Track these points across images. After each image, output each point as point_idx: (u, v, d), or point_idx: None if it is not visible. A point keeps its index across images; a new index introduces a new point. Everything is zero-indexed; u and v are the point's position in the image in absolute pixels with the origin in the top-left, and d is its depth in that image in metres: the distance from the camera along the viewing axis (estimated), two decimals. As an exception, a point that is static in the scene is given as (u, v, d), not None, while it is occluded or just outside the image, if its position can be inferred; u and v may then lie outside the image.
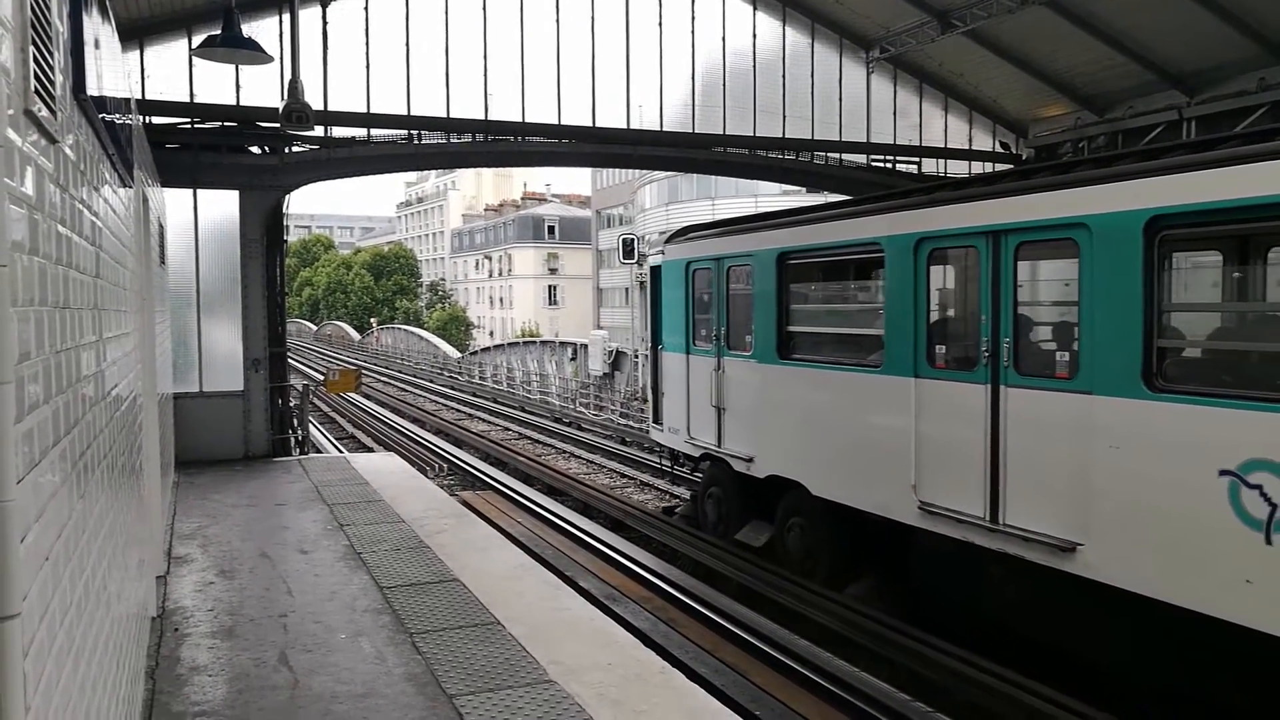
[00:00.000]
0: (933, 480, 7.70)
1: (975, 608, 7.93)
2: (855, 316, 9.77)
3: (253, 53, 10.07)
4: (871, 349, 8.68)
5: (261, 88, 12.94)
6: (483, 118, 14.52)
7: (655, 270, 12.64)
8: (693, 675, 6.30)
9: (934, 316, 8.07)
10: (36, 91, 2.10)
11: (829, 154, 16.92)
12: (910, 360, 7.93)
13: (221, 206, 12.66)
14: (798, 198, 30.94)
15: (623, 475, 17.97)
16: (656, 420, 12.66)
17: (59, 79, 2.53)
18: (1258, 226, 6.27)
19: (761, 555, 10.22)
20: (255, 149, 13.03)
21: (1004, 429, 7.02)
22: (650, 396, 13.14)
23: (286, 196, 13.33)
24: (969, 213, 7.41)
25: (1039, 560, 6.71)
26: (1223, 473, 5.53)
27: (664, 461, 14.16)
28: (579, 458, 20.10)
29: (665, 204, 53.36)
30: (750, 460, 10.22)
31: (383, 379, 42.60)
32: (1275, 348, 6.30)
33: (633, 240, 14.89)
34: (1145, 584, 6.02)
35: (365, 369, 42.89)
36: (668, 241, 12.45)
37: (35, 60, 2.10)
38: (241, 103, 12.95)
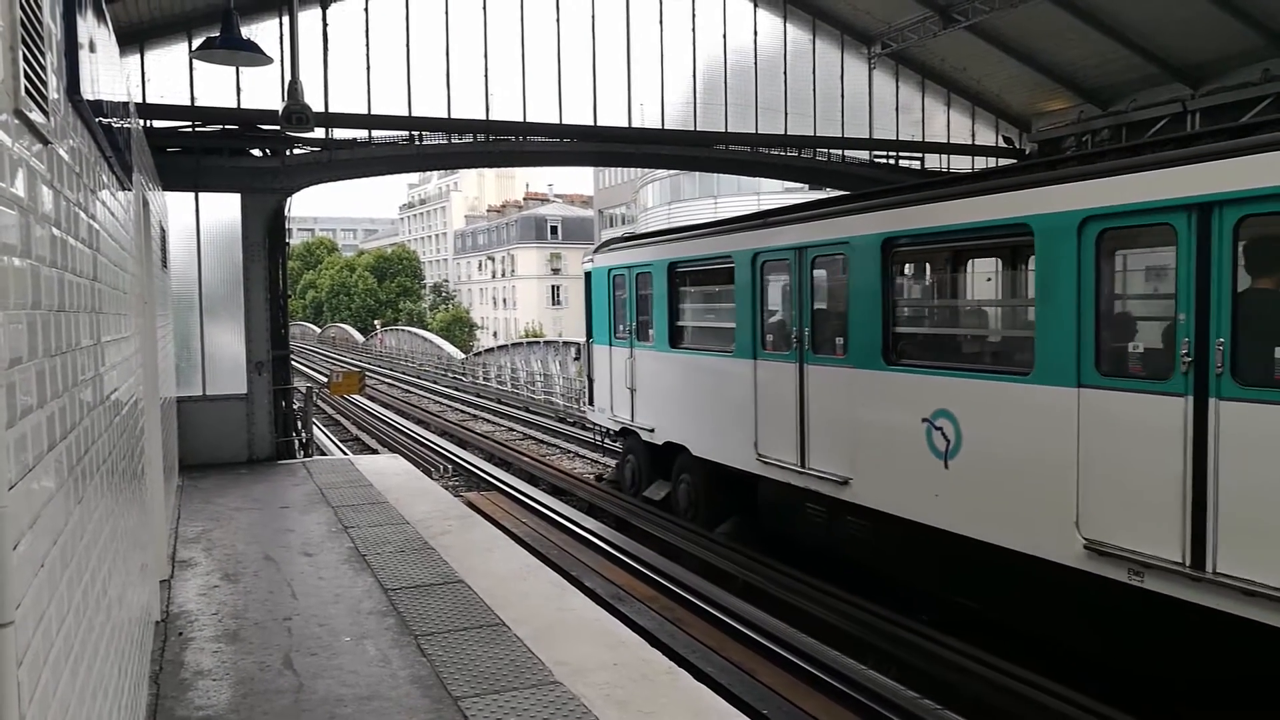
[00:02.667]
0: (767, 438, 9.89)
1: (797, 535, 10.04)
2: (719, 314, 11.58)
3: (252, 55, 10.05)
4: (729, 339, 10.69)
5: (262, 90, 12.93)
6: (484, 118, 14.50)
7: (588, 275, 14.75)
8: (699, 675, 6.27)
9: (765, 313, 10.14)
10: (28, 92, 2.07)
11: (831, 151, 16.88)
12: (751, 347, 10.15)
13: (223, 210, 12.65)
14: (800, 195, 30.92)
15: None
16: (590, 402, 15.07)
17: (52, 80, 2.51)
18: (942, 247, 9.24)
19: (660, 507, 12.60)
20: (256, 152, 13.01)
21: (807, 395, 9.25)
22: (587, 383, 15.44)
23: (288, 199, 13.31)
24: (786, 234, 9.73)
25: (828, 493, 8.94)
26: (923, 420, 7.70)
27: (598, 437, 16.46)
28: (584, 457, 20.07)
29: (668, 203, 53.32)
30: (653, 431, 12.46)
31: (386, 381, 42.62)
32: (945, 332, 9.08)
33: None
34: (887, 504, 8.23)
35: (369, 371, 42.94)
36: (595, 251, 14.76)
37: (26, 61, 2.07)
38: (242, 105, 12.94)
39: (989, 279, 10.09)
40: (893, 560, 8.53)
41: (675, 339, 11.85)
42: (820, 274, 9.48)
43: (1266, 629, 5.27)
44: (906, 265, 9.35)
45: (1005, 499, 7.01)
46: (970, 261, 10.03)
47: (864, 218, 8.62)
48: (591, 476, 16.59)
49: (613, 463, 16.12)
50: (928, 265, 9.91)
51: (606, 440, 15.90)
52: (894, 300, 8.42)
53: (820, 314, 9.34)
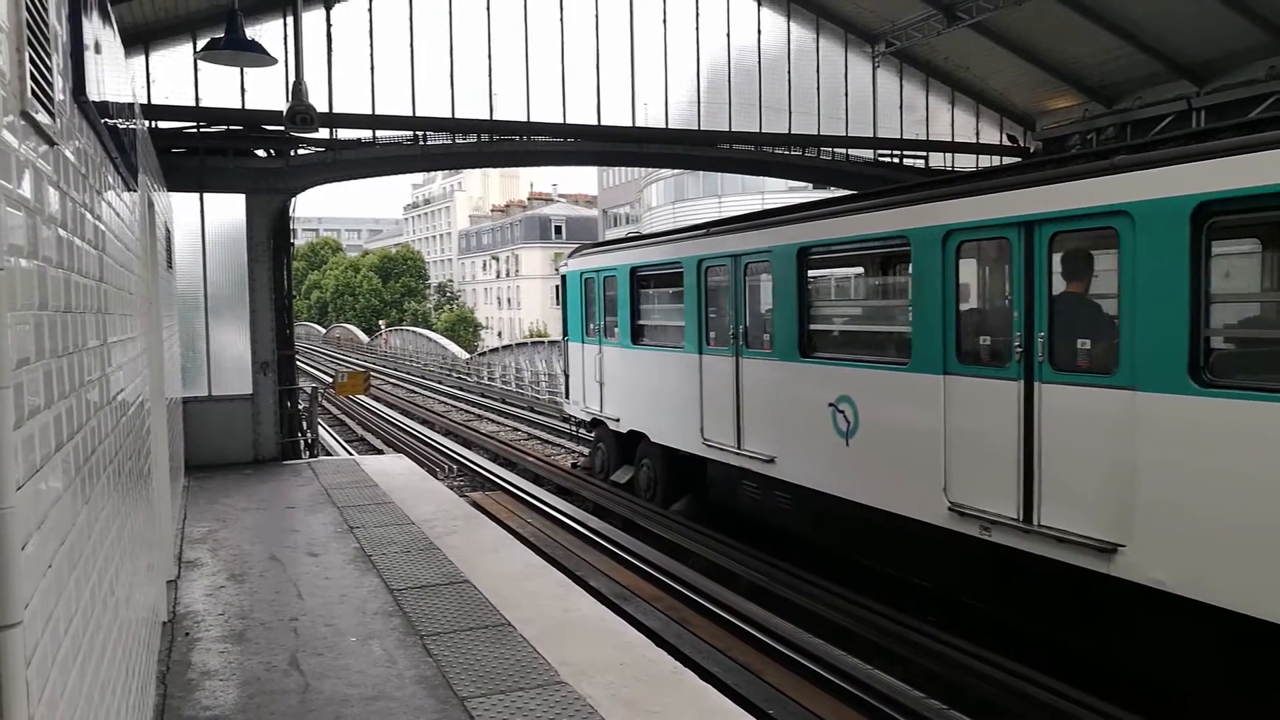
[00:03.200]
0: (711, 424, 11.11)
1: (738, 509, 11.11)
2: (672, 314, 12.58)
3: (257, 55, 10.07)
4: (680, 336, 11.86)
5: (266, 91, 12.95)
6: (488, 118, 14.51)
7: (563, 279, 15.96)
8: (705, 675, 6.26)
9: (709, 313, 11.35)
10: (34, 94, 2.08)
11: (835, 149, 16.86)
12: (697, 343, 11.35)
13: (228, 210, 12.67)
14: (804, 194, 30.92)
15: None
16: (566, 395, 16.32)
17: (58, 82, 2.51)
18: (845, 255, 10.30)
19: (624, 489, 13.85)
20: (261, 152, 13.03)
21: (742, 385, 10.47)
22: (563, 378, 16.80)
23: (293, 199, 13.32)
24: (726, 243, 10.99)
25: (759, 470, 10.16)
26: (829, 404, 8.92)
27: (573, 428, 17.45)
28: (588, 456, 20.04)
29: (672, 202, 53.32)
30: (618, 420, 13.76)
31: (391, 381, 42.65)
32: (847, 328, 10.07)
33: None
34: (803, 479, 9.47)
35: (374, 371, 42.96)
36: (569, 257, 15.90)
37: (32, 63, 2.07)
38: (247, 106, 12.96)
39: (879, 283, 11.30)
40: (811, 528, 9.88)
41: (636, 336, 13.06)
42: (752, 279, 10.62)
43: (1077, 569, 6.46)
44: (818, 270, 10.25)
45: (893, 471, 8.19)
46: (867, 267, 11.34)
47: (784, 229, 9.87)
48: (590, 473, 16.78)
49: (587, 451, 17.23)
50: (834, 270, 11.13)
51: (580, 431, 16.91)
52: (808, 301, 9.61)
53: (753, 313, 10.63)
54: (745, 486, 10.73)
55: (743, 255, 10.53)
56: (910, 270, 8.15)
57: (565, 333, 15.87)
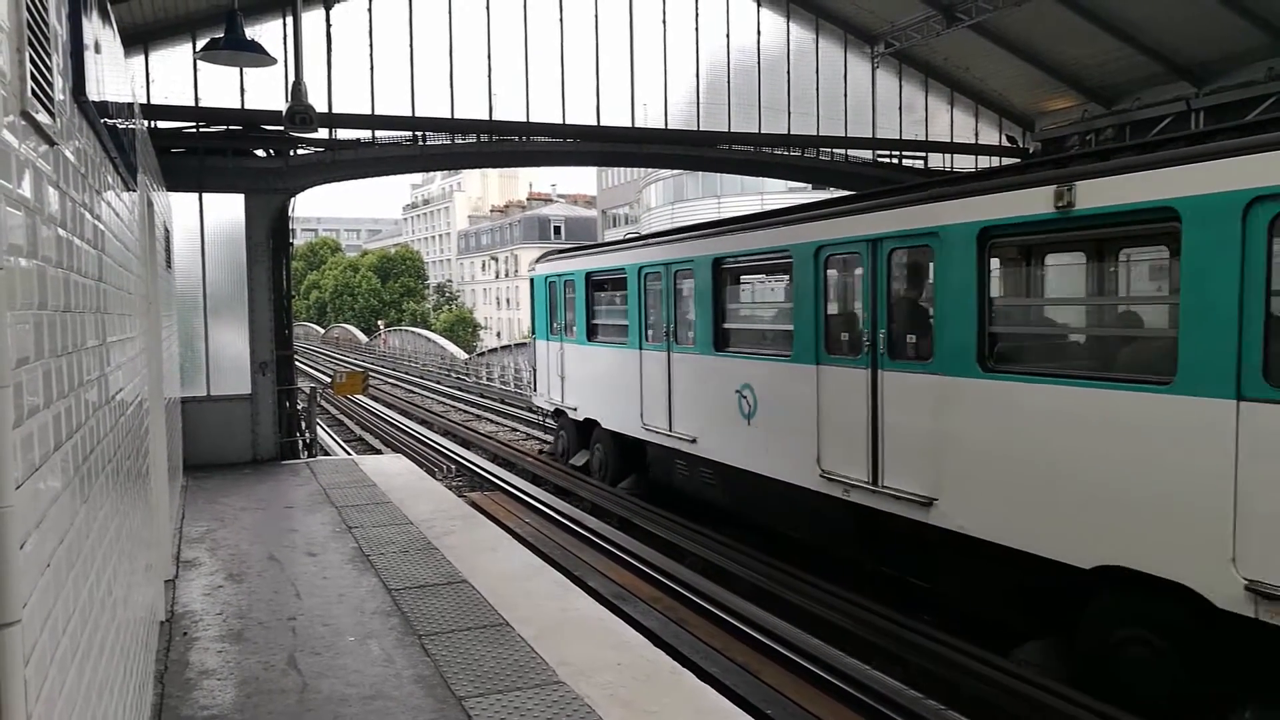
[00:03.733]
0: (649, 411, 12.73)
1: (673, 485, 12.70)
2: (617, 314, 14.08)
3: (256, 55, 10.07)
4: (625, 333, 13.48)
5: (266, 91, 12.95)
6: (487, 118, 14.52)
7: (532, 281, 17.67)
8: (703, 675, 6.27)
9: (648, 313, 12.80)
10: (34, 94, 2.08)
11: (835, 150, 16.86)
12: (638, 340, 12.99)
13: (227, 210, 12.66)
14: (802, 195, 30.94)
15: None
16: (534, 389, 18.21)
17: (58, 82, 2.51)
18: (748, 265, 11.33)
19: (581, 471, 15.51)
20: (260, 152, 13.03)
21: (673, 376, 12.06)
22: (531, 372, 19.03)
23: (292, 199, 13.32)
24: (659, 252, 12.63)
25: (683, 449, 11.86)
26: (735, 391, 10.49)
27: (541, 418, 19.80)
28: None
29: (671, 203, 53.27)
30: (575, 409, 15.40)
31: (390, 381, 42.64)
32: (748, 326, 11.52)
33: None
34: (718, 455, 11.07)
35: (372, 371, 42.97)
36: (536, 261, 17.68)
37: (32, 62, 2.08)
38: (246, 106, 12.97)
39: (772, 288, 12.65)
40: (728, 497, 11.38)
41: (590, 334, 14.66)
42: (681, 284, 12.08)
43: (909, 520, 7.97)
44: (729, 278, 11.43)
45: (782, 446, 9.73)
46: (765, 275, 12.53)
47: (704, 241, 11.52)
48: (554, 458, 18.22)
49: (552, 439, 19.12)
50: (741, 278, 12.16)
51: (548, 420, 18.94)
52: (722, 304, 11.19)
53: (680, 314, 12.14)
54: (677, 465, 12.35)
55: (673, 263, 12.17)
56: (792, 278, 9.75)
57: (533, 331, 17.73)
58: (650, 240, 13.13)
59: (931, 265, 7.86)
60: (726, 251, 11.02)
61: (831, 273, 9.43)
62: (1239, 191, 5.48)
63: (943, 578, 8.07)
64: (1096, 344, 7.83)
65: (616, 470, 14.45)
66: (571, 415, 15.63)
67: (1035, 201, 6.85)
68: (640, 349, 12.95)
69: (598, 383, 14.55)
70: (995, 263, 7.86)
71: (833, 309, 9.49)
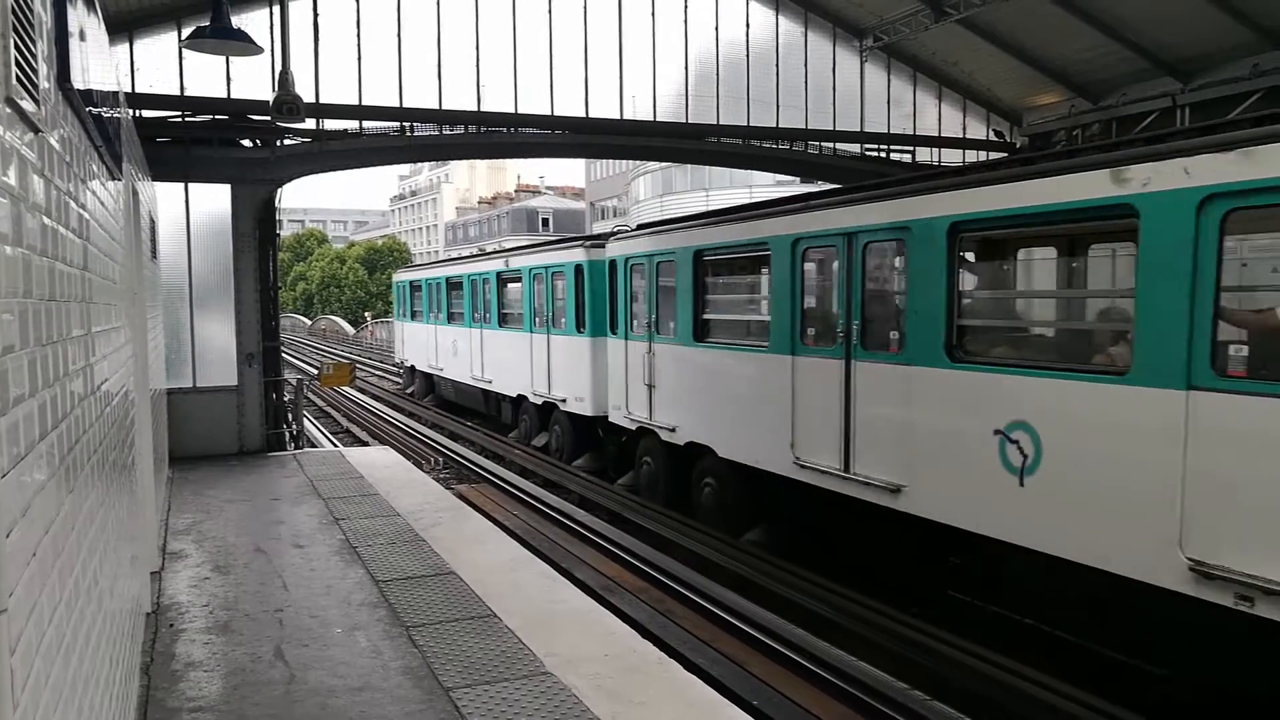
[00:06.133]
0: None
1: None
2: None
3: (243, 44, 9.99)
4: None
5: (252, 81, 12.86)
6: (475, 109, 14.46)
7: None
8: (690, 666, 6.28)
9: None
10: (19, 80, 2.06)
11: (823, 144, 16.88)
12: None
13: (213, 200, 12.57)
14: (792, 188, 30.98)
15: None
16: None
17: (43, 69, 2.49)
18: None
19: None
20: (247, 142, 12.94)
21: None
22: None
23: (279, 190, 13.25)
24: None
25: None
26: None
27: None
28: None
29: (659, 195, 53.20)
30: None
31: (377, 373, 42.48)
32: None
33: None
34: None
35: (359, 363, 42.81)
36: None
37: (17, 49, 2.06)
38: (232, 96, 12.87)
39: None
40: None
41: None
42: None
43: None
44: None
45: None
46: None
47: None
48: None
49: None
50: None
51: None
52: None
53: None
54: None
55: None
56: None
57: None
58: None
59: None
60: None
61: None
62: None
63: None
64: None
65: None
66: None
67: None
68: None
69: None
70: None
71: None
